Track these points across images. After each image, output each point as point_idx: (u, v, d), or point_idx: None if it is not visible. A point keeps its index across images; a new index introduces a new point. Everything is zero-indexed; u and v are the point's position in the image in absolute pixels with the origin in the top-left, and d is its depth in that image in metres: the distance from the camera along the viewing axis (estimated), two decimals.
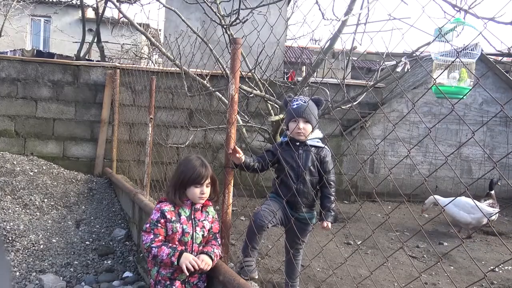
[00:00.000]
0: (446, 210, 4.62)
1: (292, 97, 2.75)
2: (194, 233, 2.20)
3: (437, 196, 4.78)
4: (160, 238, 2.14)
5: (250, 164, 2.48)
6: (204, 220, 2.26)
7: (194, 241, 2.20)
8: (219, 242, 2.34)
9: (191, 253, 2.17)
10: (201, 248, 2.24)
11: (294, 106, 2.61)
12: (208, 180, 2.23)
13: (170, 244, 2.14)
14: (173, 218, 2.17)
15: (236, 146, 2.39)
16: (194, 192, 2.20)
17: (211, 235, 2.30)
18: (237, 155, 2.36)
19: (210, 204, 2.32)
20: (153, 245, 2.11)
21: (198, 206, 2.26)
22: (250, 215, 2.65)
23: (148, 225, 2.17)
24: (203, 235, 2.24)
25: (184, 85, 4.68)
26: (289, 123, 2.64)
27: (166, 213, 2.16)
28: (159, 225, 2.15)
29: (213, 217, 2.32)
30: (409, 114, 6.34)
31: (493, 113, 6.73)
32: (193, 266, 2.08)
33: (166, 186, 2.28)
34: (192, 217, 2.23)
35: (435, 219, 5.08)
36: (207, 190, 2.23)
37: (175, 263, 2.08)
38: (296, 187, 2.53)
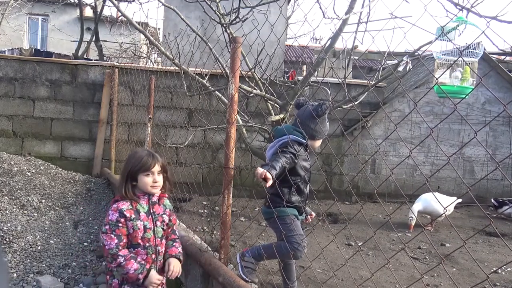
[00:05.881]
0: (429, 208, 4.68)
1: (307, 101, 2.70)
2: (155, 227, 2.18)
3: (414, 206, 4.71)
4: (124, 241, 2.08)
5: (278, 173, 2.36)
6: (163, 214, 2.24)
7: (156, 235, 2.18)
8: (177, 234, 2.35)
9: (155, 248, 2.17)
10: (163, 241, 2.23)
11: (326, 128, 2.61)
12: (159, 168, 2.17)
13: (138, 258, 2.09)
14: (133, 216, 2.10)
15: (266, 174, 2.23)
16: (145, 181, 2.14)
17: (170, 229, 2.30)
18: (269, 182, 2.25)
19: (166, 196, 2.30)
20: (120, 253, 2.05)
21: (155, 199, 2.22)
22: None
23: (108, 227, 2.08)
24: (163, 229, 2.23)
25: (184, 84, 4.65)
26: (318, 140, 2.63)
27: (124, 212, 2.09)
28: (120, 225, 2.08)
29: (170, 210, 2.30)
30: (411, 114, 6.30)
31: (495, 112, 6.68)
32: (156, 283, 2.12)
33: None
34: (151, 211, 2.19)
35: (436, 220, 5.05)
36: (159, 179, 2.17)
37: (141, 281, 2.07)
38: (306, 191, 2.59)
